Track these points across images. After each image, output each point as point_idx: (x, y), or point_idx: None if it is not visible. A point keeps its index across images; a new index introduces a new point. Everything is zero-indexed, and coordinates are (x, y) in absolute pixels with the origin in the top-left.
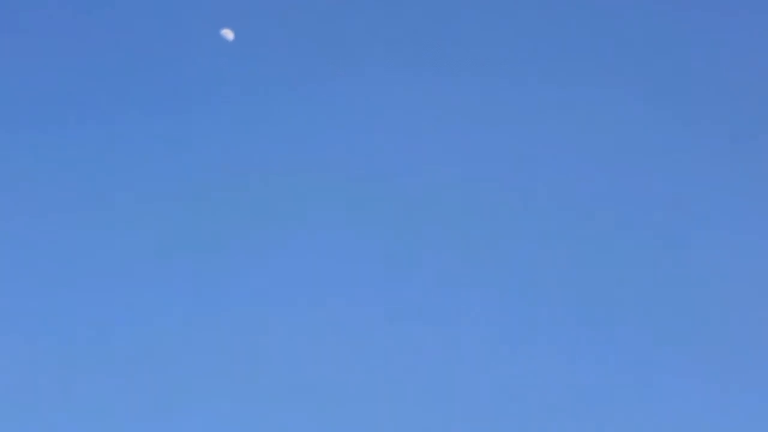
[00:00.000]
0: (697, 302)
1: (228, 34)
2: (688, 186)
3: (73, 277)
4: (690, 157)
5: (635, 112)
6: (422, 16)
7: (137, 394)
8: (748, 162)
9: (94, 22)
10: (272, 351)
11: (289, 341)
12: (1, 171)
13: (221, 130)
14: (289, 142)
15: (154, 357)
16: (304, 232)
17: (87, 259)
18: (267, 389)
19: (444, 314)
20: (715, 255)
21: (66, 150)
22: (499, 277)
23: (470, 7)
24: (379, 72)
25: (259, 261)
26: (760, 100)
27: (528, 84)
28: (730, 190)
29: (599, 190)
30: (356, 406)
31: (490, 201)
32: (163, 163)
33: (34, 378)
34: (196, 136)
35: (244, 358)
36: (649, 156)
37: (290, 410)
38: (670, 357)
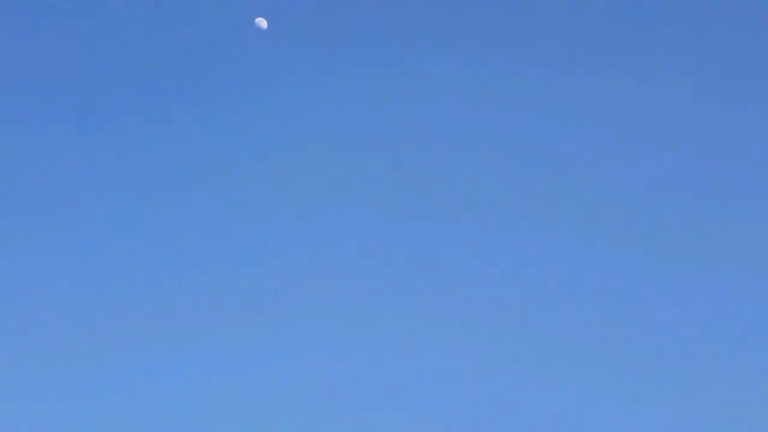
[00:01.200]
0: None
1: (262, 22)
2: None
3: None
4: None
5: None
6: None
7: None
8: None
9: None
10: None
11: None
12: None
13: (254, 115)
14: (321, 128)
15: None
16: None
17: None
18: None
19: None
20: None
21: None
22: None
23: None
24: (414, 58)
25: None
26: None
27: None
28: None
29: None
30: None
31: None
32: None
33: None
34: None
35: None
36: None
37: None
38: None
